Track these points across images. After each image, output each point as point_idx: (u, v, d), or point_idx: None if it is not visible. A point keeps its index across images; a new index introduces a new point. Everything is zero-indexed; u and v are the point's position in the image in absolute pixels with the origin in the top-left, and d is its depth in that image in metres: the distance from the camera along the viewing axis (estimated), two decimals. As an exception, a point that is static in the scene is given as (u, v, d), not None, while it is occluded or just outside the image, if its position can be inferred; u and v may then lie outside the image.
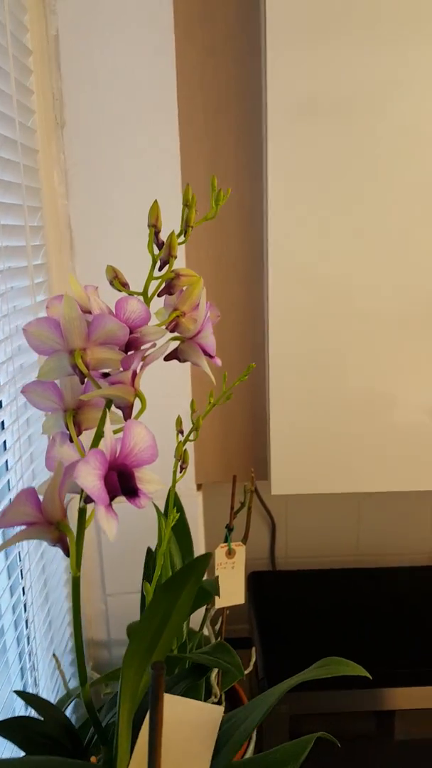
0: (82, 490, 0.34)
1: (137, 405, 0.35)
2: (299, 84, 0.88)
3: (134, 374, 0.34)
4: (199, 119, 0.95)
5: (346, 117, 0.88)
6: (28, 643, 0.82)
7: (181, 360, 0.38)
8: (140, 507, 0.33)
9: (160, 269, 0.43)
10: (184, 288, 0.41)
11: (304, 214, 0.92)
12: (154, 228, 0.42)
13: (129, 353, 0.36)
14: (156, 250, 0.44)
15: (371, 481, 1.06)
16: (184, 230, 0.45)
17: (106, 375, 0.35)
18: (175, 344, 0.41)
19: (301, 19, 0.85)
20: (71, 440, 0.37)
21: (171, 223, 0.91)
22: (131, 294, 0.42)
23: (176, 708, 0.43)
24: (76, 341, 0.35)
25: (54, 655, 0.87)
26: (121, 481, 0.31)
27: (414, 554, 1.35)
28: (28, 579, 0.82)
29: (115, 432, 0.36)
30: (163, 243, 0.45)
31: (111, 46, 0.86)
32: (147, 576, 0.70)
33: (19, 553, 0.77)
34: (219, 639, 0.59)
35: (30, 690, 0.83)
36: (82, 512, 0.34)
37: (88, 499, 0.33)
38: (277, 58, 0.86)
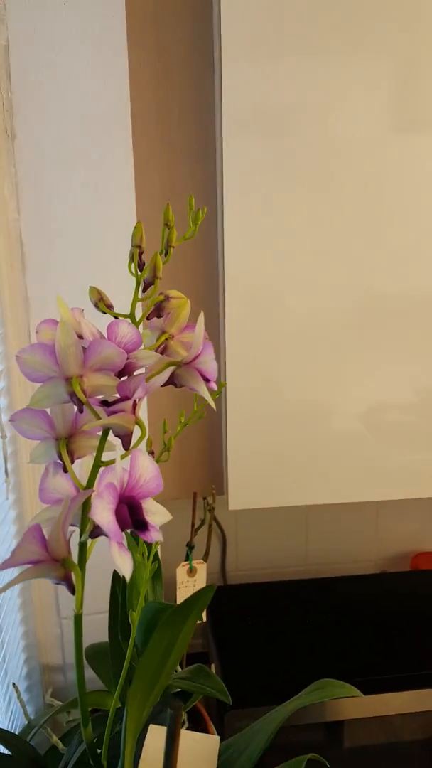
0: (84, 523, 0.33)
1: (136, 433, 0.34)
2: (253, 98, 0.89)
3: (135, 402, 0.33)
4: (153, 133, 0.94)
5: (297, 130, 0.91)
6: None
7: (178, 385, 0.38)
8: (151, 541, 0.32)
9: (143, 291, 0.43)
10: (171, 310, 0.41)
11: (258, 230, 0.93)
12: (138, 249, 0.42)
13: (124, 379, 0.35)
14: (134, 270, 0.44)
15: (323, 493, 1.09)
16: (165, 250, 0.44)
17: (104, 402, 0.34)
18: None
19: (254, 34, 0.87)
20: (65, 470, 0.36)
21: (124, 241, 0.91)
22: (116, 317, 0.41)
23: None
24: (72, 368, 0.34)
25: (14, 684, 0.83)
26: (130, 513, 0.31)
27: (360, 562, 1.38)
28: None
29: (107, 462, 0.35)
30: (141, 264, 0.44)
31: (63, 58, 0.85)
32: (113, 601, 0.68)
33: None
34: (196, 663, 0.58)
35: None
36: (83, 546, 0.33)
37: (94, 534, 0.32)
38: (231, 71, 0.87)
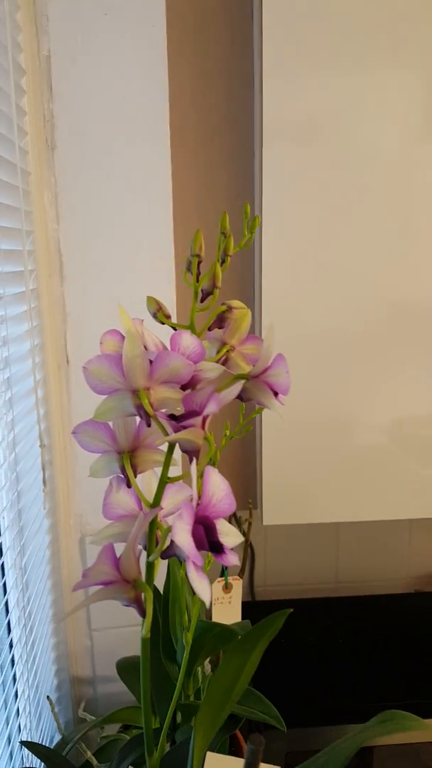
0: (151, 543, 0.32)
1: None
2: (291, 109, 0.89)
3: (205, 417, 0.32)
4: (191, 144, 0.94)
5: (330, 141, 0.90)
6: (14, 684, 0.78)
7: (245, 400, 0.36)
8: (229, 564, 0.31)
9: (201, 301, 0.42)
10: (232, 321, 0.40)
11: (295, 241, 0.92)
12: (198, 258, 0.41)
13: (189, 392, 0.34)
14: (192, 280, 0.43)
15: (356, 510, 1.07)
16: (222, 259, 0.43)
17: (171, 416, 0.33)
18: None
19: (293, 46, 0.87)
20: (128, 485, 0.35)
21: (161, 249, 0.90)
22: (175, 328, 0.40)
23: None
24: (139, 380, 0.33)
25: (48, 697, 0.82)
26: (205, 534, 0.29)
27: (391, 580, 1.35)
28: (14, 615, 0.78)
29: (174, 478, 0.34)
30: (198, 273, 0.43)
31: (103, 68, 0.85)
32: (153, 618, 0.67)
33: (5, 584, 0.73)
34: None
35: (14, 734, 0.78)
36: (150, 567, 0.32)
37: (165, 554, 0.31)
38: (272, 82, 0.87)
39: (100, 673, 1.05)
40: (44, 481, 0.84)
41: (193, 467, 0.30)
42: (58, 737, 0.92)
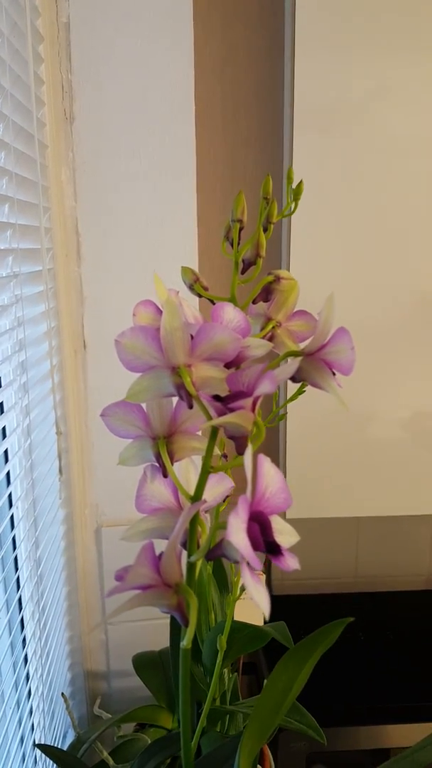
0: (192, 541, 0.28)
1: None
2: (323, 91, 0.84)
3: (257, 398, 0.28)
4: (216, 119, 0.90)
5: (359, 128, 0.86)
6: (27, 682, 0.75)
7: (297, 380, 0.32)
8: (288, 569, 0.27)
9: (243, 272, 0.38)
10: (278, 294, 0.36)
11: (321, 227, 0.88)
12: (240, 223, 0.37)
13: (234, 371, 0.30)
14: (233, 248, 0.39)
15: (379, 505, 1.04)
16: (265, 227, 0.39)
17: (217, 398, 0.29)
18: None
19: (325, 28, 0.82)
20: (165, 474, 0.31)
21: (184, 231, 0.86)
22: (213, 301, 0.36)
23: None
24: (179, 356, 0.29)
25: (63, 694, 0.79)
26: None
27: (411, 576, 1.31)
28: (27, 611, 0.75)
29: (218, 467, 0.30)
30: (231, 241, 0.39)
31: (125, 38, 0.81)
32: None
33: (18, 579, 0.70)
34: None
35: (27, 733, 0.75)
36: (191, 569, 0.28)
37: (211, 555, 0.27)
38: (304, 63, 0.82)
39: (114, 667, 1.01)
40: (60, 470, 0.81)
41: (248, 455, 0.26)
42: (71, 734, 0.89)
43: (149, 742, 0.80)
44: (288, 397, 0.51)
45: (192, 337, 0.29)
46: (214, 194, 0.93)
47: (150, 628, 1.00)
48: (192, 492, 0.31)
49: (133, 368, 0.30)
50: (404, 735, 0.94)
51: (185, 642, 0.25)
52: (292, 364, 0.29)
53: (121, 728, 0.81)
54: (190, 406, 0.29)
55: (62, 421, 0.84)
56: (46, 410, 0.78)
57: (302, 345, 0.37)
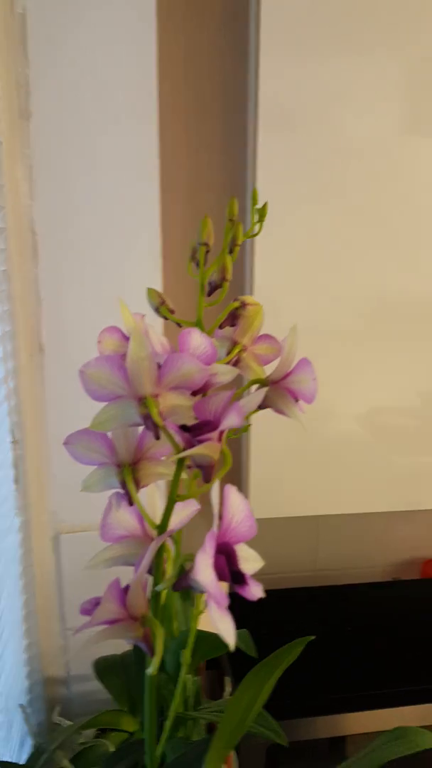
0: (159, 569, 0.27)
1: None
2: (288, 93, 0.84)
3: (222, 430, 0.28)
4: (180, 118, 0.89)
5: (315, 130, 0.86)
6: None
7: (262, 407, 0.32)
8: (253, 598, 0.27)
9: (209, 294, 0.38)
10: (244, 318, 0.35)
11: (284, 232, 0.88)
12: (206, 246, 0.36)
13: (200, 398, 0.30)
14: (199, 270, 0.39)
15: (339, 503, 1.06)
16: (230, 248, 0.39)
17: (183, 427, 0.29)
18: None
19: (292, 30, 0.82)
20: (130, 502, 0.30)
21: (147, 232, 0.85)
22: (179, 324, 0.36)
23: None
24: (146, 386, 0.28)
25: (21, 706, 0.78)
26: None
27: (369, 568, 1.34)
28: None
29: (184, 496, 0.30)
30: (197, 262, 0.39)
31: (86, 33, 0.79)
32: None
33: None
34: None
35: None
36: (156, 597, 0.27)
37: (177, 586, 0.27)
38: (269, 64, 0.82)
39: (74, 672, 1.00)
40: (16, 479, 0.79)
41: (215, 489, 0.25)
42: (29, 742, 0.88)
43: (111, 747, 0.80)
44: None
45: (159, 365, 0.29)
46: (178, 196, 0.92)
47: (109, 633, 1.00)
48: (158, 519, 0.31)
49: (98, 398, 0.29)
50: (361, 723, 0.97)
51: (152, 670, 0.25)
52: (257, 395, 0.29)
53: (82, 734, 0.80)
54: (157, 437, 0.28)
55: (18, 428, 0.82)
56: (0, 417, 0.76)
57: (266, 369, 0.37)
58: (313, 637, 0.34)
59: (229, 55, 0.88)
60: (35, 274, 0.84)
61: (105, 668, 0.91)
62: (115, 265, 0.85)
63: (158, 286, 0.87)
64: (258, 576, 1.07)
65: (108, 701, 0.99)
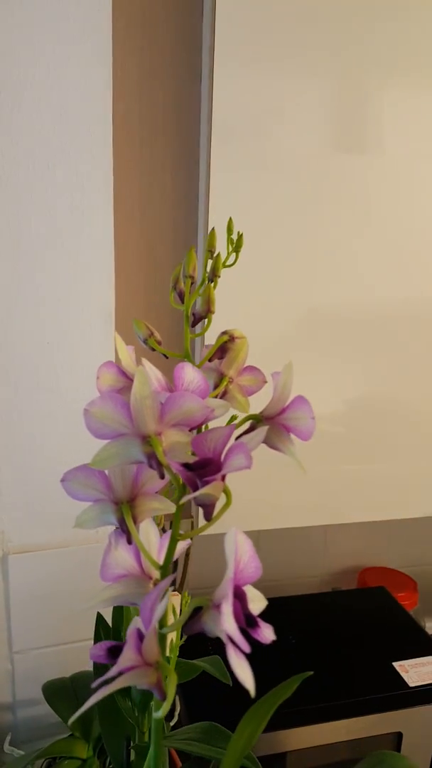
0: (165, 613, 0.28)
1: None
2: (241, 108, 0.86)
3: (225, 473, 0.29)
4: (134, 137, 0.89)
5: (271, 144, 0.89)
6: None
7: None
8: (267, 641, 0.27)
9: (193, 325, 0.39)
10: (230, 352, 0.37)
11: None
12: (191, 279, 0.37)
13: (198, 433, 0.30)
14: (177, 300, 0.40)
15: (276, 518, 1.08)
16: (211, 278, 0.40)
17: (188, 466, 0.29)
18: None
19: (246, 48, 0.84)
20: (129, 541, 0.31)
21: (101, 250, 0.85)
22: (167, 356, 0.37)
23: None
24: (149, 424, 0.29)
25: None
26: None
27: (307, 578, 1.37)
28: None
29: (185, 535, 0.31)
30: (182, 293, 0.40)
31: (42, 46, 0.78)
32: (98, 641, 0.62)
33: None
34: (206, 722, 0.54)
35: None
36: (162, 639, 0.28)
37: (188, 630, 0.27)
38: (223, 79, 0.84)
39: (20, 697, 0.98)
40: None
41: (231, 537, 0.26)
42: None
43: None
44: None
45: (160, 403, 0.29)
46: (132, 213, 0.92)
47: (58, 655, 0.98)
48: (152, 552, 0.31)
49: (100, 436, 0.29)
50: (301, 738, 0.97)
51: (161, 713, 0.25)
52: (260, 433, 0.30)
53: (34, 764, 0.78)
54: (162, 476, 0.29)
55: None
56: None
57: (251, 402, 0.38)
58: (311, 673, 0.35)
59: (184, 74, 0.89)
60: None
61: (54, 692, 0.89)
62: (69, 283, 0.85)
63: (111, 303, 0.87)
64: (200, 590, 1.08)
65: (55, 725, 0.97)
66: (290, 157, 0.90)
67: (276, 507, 1.08)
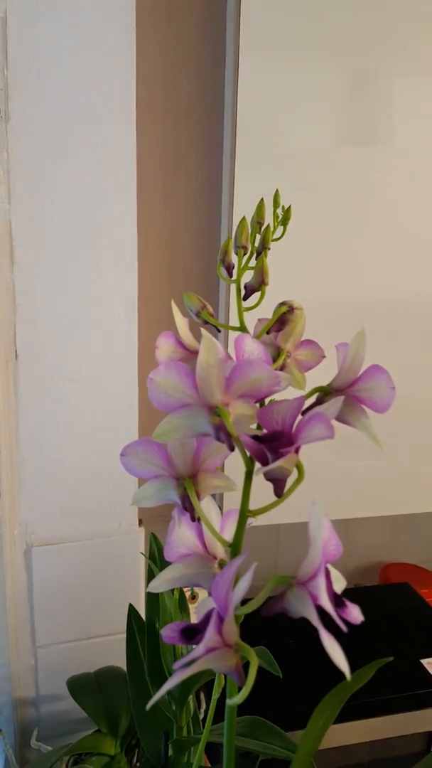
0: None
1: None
2: (264, 97, 0.85)
3: (299, 445, 0.27)
4: (158, 124, 0.88)
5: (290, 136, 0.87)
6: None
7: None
8: (356, 621, 0.26)
9: (245, 298, 0.37)
10: (287, 324, 0.35)
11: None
12: (244, 250, 0.36)
13: (264, 407, 0.29)
14: (225, 274, 0.38)
15: (297, 511, 1.07)
16: (259, 251, 0.39)
17: (257, 438, 0.28)
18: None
19: (271, 35, 0.83)
20: (193, 518, 0.29)
21: (124, 237, 0.83)
22: (218, 328, 0.35)
23: None
24: (215, 394, 0.27)
25: (0, 730, 0.74)
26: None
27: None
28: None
29: (256, 511, 0.29)
30: (231, 266, 0.38)
31: (66, 35, 0.77)
32: (132, 642, 0.61)
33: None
34: (251, 716, 0.52)
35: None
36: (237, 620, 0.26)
37: (268, 610, 0.25)
38: (248, 67, 0.82)
39: (44, 693, 0.97)
40: (-4, 490, 0.76)
41: (318, 509, 0.25)
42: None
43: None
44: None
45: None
46: (155, 201, 0.91)
47: (80, 649, 0.97)
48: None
49: (164, 406, 0.28)
50: (327, 738, 0.96)
51: (237, 699, 0.24)
52: (336, 402, 0.28)
53: (62, 760, 0.77)
54: (231, 449, 0.27)
55: (-2, 438, 0.79)
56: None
57: (308, 374, 0.36)
58: (391, 659, 0.34)
59: (207, 61, 0.88)
60: (11, 280, 0.81)
61: (79, 687, 0.88)
62: (91, 270, 0.83)
63: (134, 291, 0.86)
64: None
65: (79, 721, 0.95)
66: (313, 148, 0.88)
67: (293, 501, 1.07)
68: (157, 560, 0.64)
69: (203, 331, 0.28)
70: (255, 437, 0.28)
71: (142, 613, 0.64)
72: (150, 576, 0.66)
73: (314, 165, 0.89)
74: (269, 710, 0.93)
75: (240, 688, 0.23)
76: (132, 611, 0.62)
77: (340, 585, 0.28)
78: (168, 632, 0.25)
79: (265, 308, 0.38)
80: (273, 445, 0.27)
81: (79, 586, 0.94)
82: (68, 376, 0.86)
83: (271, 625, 1.09)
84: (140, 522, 0.98)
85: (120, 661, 0.75)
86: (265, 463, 0.28)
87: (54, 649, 0.95)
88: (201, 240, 0.93)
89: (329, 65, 0.86)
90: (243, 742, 0.47)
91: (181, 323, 0.32)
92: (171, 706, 0.55)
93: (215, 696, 0.40)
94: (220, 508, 0.34)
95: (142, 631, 0.60)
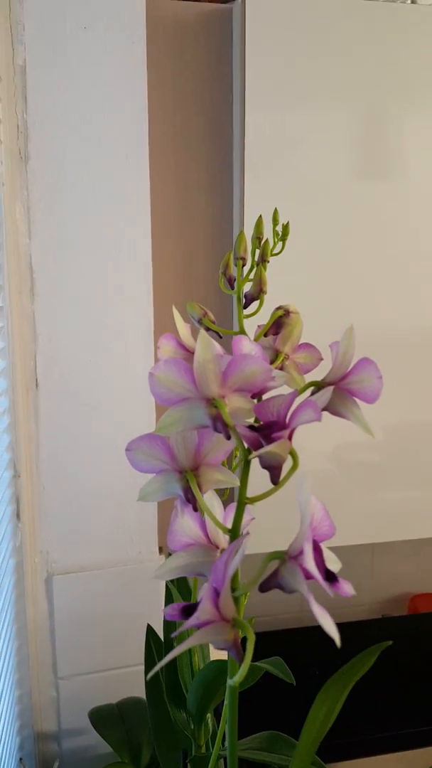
0: (235, 574, 0.27)
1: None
2: (273, 136, 0.88)
3: (293, 428, 0.29)
4: (169, 161, 0.92)
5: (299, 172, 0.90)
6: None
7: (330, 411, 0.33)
8: (346, 594, 0.27)
9: (245, 307, 0.39)
10: (285, 327, 0.37)
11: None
12: (242, 261, 0.38)
13: (262, 400, 0.30)
14: (227, 286, 0.40)
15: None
16: (256, 263, 0.41)
17: (253, 428, 0.29)
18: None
19: (276, 76, 0.87)
20: (195, 508, 0.30)
21: (139, 269, 0.87)
22: (219, 334, 0.37)
23: None
24: (212, 387, 0.29)
25: (21, 759, 0.74)
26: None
27: (356, 606, 1.33)
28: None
29: (253, 498, 0.30)
30: (233, 279, 0.40)
31: (81, 81, 0.82)
32: (150, 659, 0.61)
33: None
34: (269, 731, 0.51)
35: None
36: (236, 604, 0.27)
37: (264, 587, 0.26)
38: (255, 107, 0.87)
39: (66, 726, 0.96)
40: (17, 514, 0.77)
41: (305, 486, 0.26)
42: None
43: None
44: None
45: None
46: (168, 234, 0.94)
47: (103, 681, 0.96)
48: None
49: (165, 401, 0.29)
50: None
51: (237, 678, 0.25)
52: (325, 392, 0.29)
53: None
54: (228, 437, 0.29)
55: (19, 463, 0.81)
56: None
57: (307, 377, 0.38)
58: (390, 643, 0.34)
59: (217, 99, 0.92)
60: (32, 311, 0.84)
61: (101, 719, 0.87)
62: (108, 301, 0.86)
63: (149, 319, 0.88)
64: (244, 619, 1.04)
65: (104, 756, 0.94)
66: (319, 183, 0.91)
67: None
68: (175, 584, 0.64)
69: (200, 329, 0.30)
70: (250, 426, 0.29)
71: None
72: (168, 599, 0.66)
73: (321, 198, 0.92)
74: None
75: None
76: (150, 631, 0.62)
77: (335, 566, 0.29)
78: (170, 611, 0.26)
79: (264, 316, 0.39)
80: (267, 432, 0.28)
81: (100, 615, 0.94)
82: (88, 403, 0.88)
83: (319, 656, 1.08)
84: (160, 550, 0.98)
85: (141, 692, 0.75)
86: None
87: (75, 680, 0.95)
88: (214, 270, 0.96)
89: (336, 104, 0.90)
90: (261, 755, 0.47)
91: (182, 326, 0.34)
92: (189, 725, 0.55)
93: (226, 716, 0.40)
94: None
95: (160, 651, 0.60)
